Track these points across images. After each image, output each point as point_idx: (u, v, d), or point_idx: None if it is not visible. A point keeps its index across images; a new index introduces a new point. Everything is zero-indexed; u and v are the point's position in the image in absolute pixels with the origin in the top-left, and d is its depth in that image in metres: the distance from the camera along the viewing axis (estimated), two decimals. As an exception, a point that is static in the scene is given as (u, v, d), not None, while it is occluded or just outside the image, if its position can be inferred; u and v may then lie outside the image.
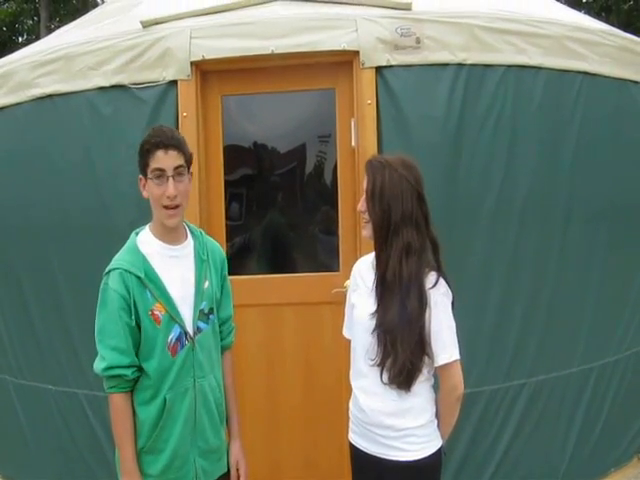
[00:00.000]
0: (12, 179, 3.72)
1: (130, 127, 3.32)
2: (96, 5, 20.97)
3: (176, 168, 2.00)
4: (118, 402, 2.00)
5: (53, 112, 3.52)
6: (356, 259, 3.39)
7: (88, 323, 3.54)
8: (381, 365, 1.98)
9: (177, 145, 2.01)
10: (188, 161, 2.07)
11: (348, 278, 3.42)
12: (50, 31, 19.20)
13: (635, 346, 3.93)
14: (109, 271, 2.05)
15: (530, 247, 3.42)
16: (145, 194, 2.07)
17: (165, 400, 2.00)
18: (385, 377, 1.98)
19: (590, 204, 3.58)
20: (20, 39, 20.13)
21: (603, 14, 20.25)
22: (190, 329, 2.06)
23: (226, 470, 2.23)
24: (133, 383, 2.03)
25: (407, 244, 1.96)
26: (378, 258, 2.02)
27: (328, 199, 3.62)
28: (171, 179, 1.98)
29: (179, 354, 2.03)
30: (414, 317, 1.93)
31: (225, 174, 3.49)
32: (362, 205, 2.07)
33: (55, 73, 3.48)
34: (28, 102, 3.59)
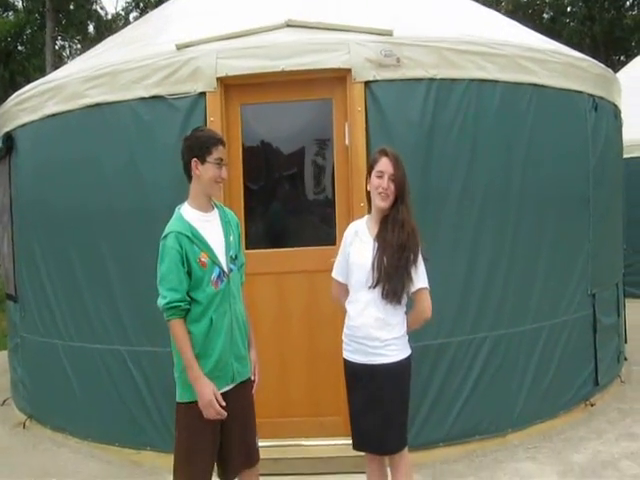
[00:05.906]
0: (67, 180, 4.47)
1: (167, 130, 4.09)
2: (99, 17, 21.75)
3: (224, 160, 2.91)
4: (177, 326, 2.76)
5: (101, 118, 4.28)
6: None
7: (130, 288, 4.30)
8: (377, 286, 2.82)
9: (225, 144, 2.93)
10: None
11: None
12: (55, 41, 19.85)
13: (581, 311, 4.74)
14: (166, 235, 2.79)
15: (490, 227, 4.21)
16: (197, 173, 2.84)
17: (212, 319, 2.80)
18: (384, 294, 2.83)
19: (539, 193, 4.39)
20: (24, 48, 20.78)
21: (588, 23, 21.26)
22: (226, 269, 2.87)
23: (249, 375, 3.00)
24: (185, 312, 2.78)
25: (409, 206, 2.92)
26: (394, 216, 2.89)
27: (327, 189, 4.41)
28: (224, 166, 2.89)
29: (220, 287, 2.84)
30: (405, 249, 2.83)
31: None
32: (387, 185, 2.88)
33: (102, 86, 4.26)
34: (79, 110, 4.35)
